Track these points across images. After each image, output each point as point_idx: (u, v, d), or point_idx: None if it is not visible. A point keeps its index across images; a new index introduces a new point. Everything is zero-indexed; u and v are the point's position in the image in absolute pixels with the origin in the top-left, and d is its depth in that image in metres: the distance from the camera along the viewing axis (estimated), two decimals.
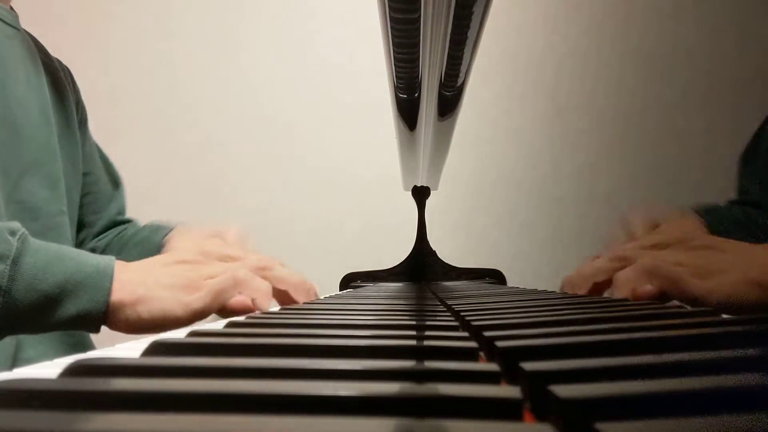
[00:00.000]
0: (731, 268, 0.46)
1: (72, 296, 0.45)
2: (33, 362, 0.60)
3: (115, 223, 0.84)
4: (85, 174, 0.79)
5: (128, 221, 0.86)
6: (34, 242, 0.46)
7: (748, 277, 0.44)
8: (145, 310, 0.48)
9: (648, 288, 0.48)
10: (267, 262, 0.57)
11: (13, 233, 0.45)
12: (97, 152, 0.85)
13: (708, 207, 0.75)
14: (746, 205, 0.78)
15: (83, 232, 0.80)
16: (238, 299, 0.53)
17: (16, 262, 0.44)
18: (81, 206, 0.79)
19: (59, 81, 0.74)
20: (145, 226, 0.83)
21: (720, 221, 0.70)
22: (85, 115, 0.83)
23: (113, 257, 0.49)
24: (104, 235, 0.82)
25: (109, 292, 0.47)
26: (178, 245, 0.70)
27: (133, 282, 0.48)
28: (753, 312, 0.44)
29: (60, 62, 0.79)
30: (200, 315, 0.50)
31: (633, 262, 0.51)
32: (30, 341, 0.62)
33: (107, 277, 0.47)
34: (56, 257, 0.46)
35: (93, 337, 0.71)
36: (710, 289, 0.45)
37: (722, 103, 1.41)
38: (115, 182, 0.86)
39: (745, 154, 0.81)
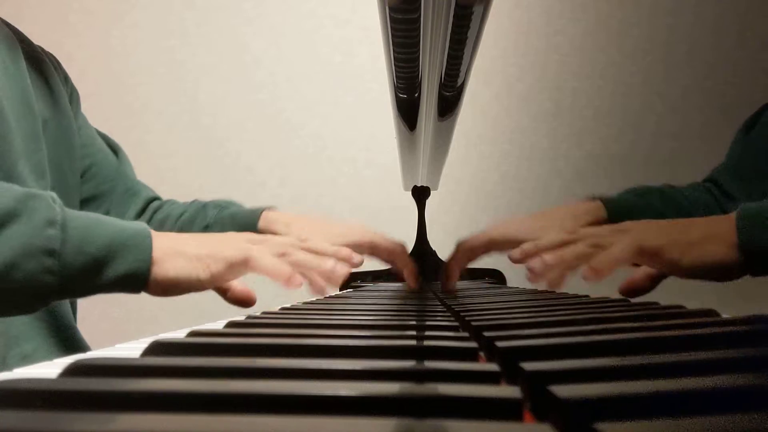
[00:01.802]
0: (695, 232, 0.49)
1: (119, 257, 0.48)
2: (26, 358, 0.60)
3: (134, 186, 0.83)
4: (84, 146, 0.79)
5: (154, 195, 0.86)
6: (70, 210, 0.48)
7: (712, 236, 0.47)
8: (171, 267, 0.50)
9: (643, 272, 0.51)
10: (290, 247, 0.57)
11: (54, 200, 0.47)
12: (91, 127, 0.84)
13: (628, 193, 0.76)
14: (709, 182, 0.80)
15: (103, 206, 0.80)
16: (241, 289, 0.55)
17: (63, 226, 0.46)
18: (90, 179, 0.79)
19: (42, 66, 0.72)
20: (204, 205, 0.82)
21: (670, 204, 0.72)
22: (77, 94, 0.82)
23: (144, 222, 0.51)
24: (141, 212, 0.82)
25: (151, 250, 0.49)
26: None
27: (165, 244, 0.51)
28: (720, 273, 0.47)
29: (42, 49, 0.77)
30: (218, 280, 0.52)
31: (608, 245, 0.52)
32: (23, 336, 0.62)
33: (147, 237, 0.49)
34: (95, 222, 0.48)
35: (85, 333, 0.71)
36: (681, 252, 0.48)
37: (723, 102, 1.41)
38: (115, 151, 0.85)
39: (747, 123, 0.82)
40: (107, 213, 0.79)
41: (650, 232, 0.51)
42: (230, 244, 0.55)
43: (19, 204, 0.45)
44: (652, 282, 0.58)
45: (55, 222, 0.46)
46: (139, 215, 0.81)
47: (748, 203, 0.48)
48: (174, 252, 0.51)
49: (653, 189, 0.76)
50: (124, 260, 0.48)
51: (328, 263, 0.57)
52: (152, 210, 0.82)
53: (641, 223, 0.53)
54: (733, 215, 0.48)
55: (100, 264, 0.47)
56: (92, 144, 0.81)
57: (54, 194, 0.48)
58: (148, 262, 0.49)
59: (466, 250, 0.69)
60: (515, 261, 0.59)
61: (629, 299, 0.46)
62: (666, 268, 0.50)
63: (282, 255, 0.56)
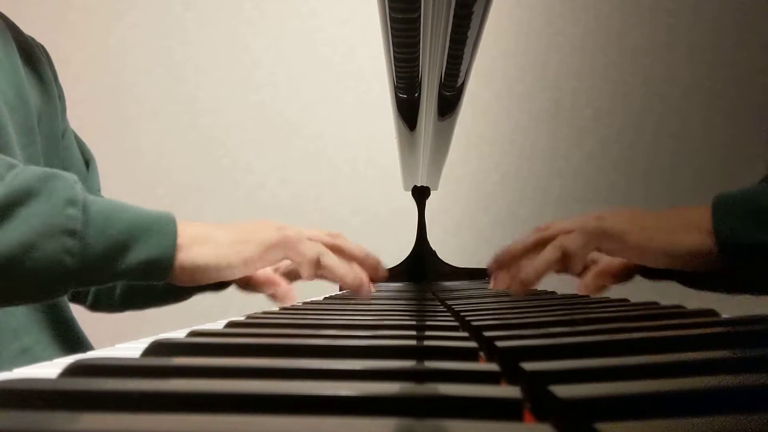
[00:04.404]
0: (669, 219, 0.48)
1: (141, 241, 0.46)
2: (25, 351, 0.59)
3: None
4: (62, 149, 0.76)
5: None
6: (89, 194, 0.46)
7: (686, 223, 0.46)
8: (198, 254, 0.48)
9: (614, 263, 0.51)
10: (320, 246, 0.55)
11: (75, 182, 0.45)
12: (72, 131, 0.83)
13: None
14: None
15: None
16: (286, 287, 0.54)
17: (85, 207, 0.44)
18: None
19: (35, 58, 0.71)
20: None
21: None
22: (63, 95, 0.81)
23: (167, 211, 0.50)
24: None
25: (175, 236, 0.47)
26: None
27: (193, 231, 0.49)
28: (692, 261, 0.46)
29: (34, 40, 0.75)
30: (251, 265, 0.51)
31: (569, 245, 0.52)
32: (22, 329, 0.61)
33: (172, 222, 0.48)
34: (117, 205, 0.47)
35: (87, 329, 0.71)
36: (650, 237, 0.47)
37: (722, 103, 1.41)
38: (87, 160, 0.83)
39: None
40: None
41: (617, 218, 0.50)
42: (262, 229, 0.53)
43: (38, 182, 0.44)
44: (628, 272, 0.57)
45: (77, 202, 0.44)
46: None
47: (726, 191, 0.47)
48: (202, 237, 0.49)
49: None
50: (147, 245, 0.46)
51: (356, 280, 0.54)
52: None
53: (610, 213, 0.52)
54: (709, 205, 0.47)
55: (122, 248, 0.45)
56: (69, 148, 0.80)
57: (75, 176, 0.46)
58: (173, 248, 0.47)
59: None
60: (492, 269, 0.57)
61: (629, 299, 0.46)
62: (633, 255, 0.49)
63: (333, 236, 0.55)
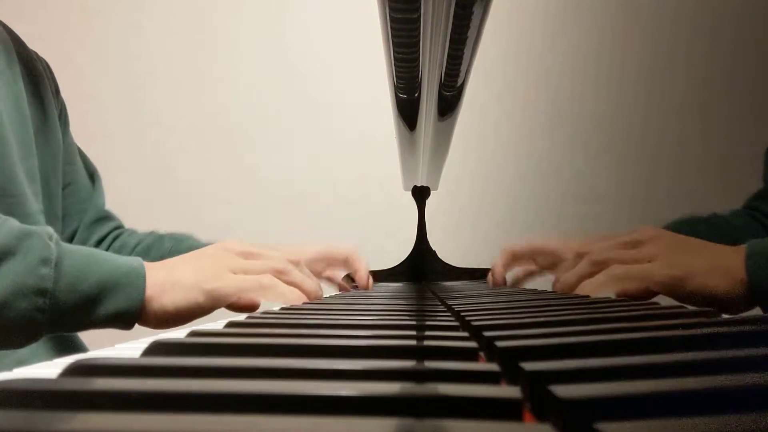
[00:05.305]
0: (702, 260, 0.48)
1: (110, 295, 0.48)
2: (22, 363, 0.61)
3: (104, 216, 0.82)
4: (67, 164, 0.77)
5: (119, 224, 0.84)
6: (66, 245, 0.48)
7: (719, 268, 0.47)
8: (169, 301, 0.51)
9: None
10: (285, 264, 0.59)
11: (50, 237, 0.47)
12: (75, 145, 0.83)
13: (688, 219, 0.76)
14: (749, 209, 0.79)
15: (71, 225, 0.78)
16: (248, 297, 0.57)
17: (57, 264, 0.46)
18: (66, 197, 0.77)
19: (35, 72, 0.72)
20: (161, 237, 0.81)
21: (719, 233, 0.71)
22: (66, 110, 0.81)
23: (140, 258, 0.52)
24: (101, 240, 0.80)
25: (144, 289, 0.49)
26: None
27: (160, 278, 0.51)
28: (723, 305, 0.47)
29: (37, 54, 0.76)
30: (221, 301, 0.53)
31: (610, 264, 0.53)
32: None
33: (141, 276, 0.50)
34: (91, 259, 0.48)
35: (85, 333, 0.71)
36: (682, 278, 0.48)
37: (721, 108, 1.41)
38: (92, 175, 0.84)
39: None
40: (74, 232, 0.78)
41: (647, 253, 0.51)
42: (230, 263, 0.55)
43: (15, 241, 0.45)
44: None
45: (50, 260, 0.46)
46: (99, 242, 0.81)
47: (755, 240, 0.48)
48: (170, 284, 0.51)
49: (701, 219, 0.77)
50: (115, 299, 0.48)
51: (318, 292, 0.62)
52: (112, 238, 0.82)
53: (648, 239, 0.52)
54: (742, 249, 0.47)
55: (91, 302, 0.47)
56: (74, 163, 0.80)
57: (51, 230, 0.48)
58: (140, 300, 0.49)
59: (509, 254, 0.72)
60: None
61: (629, 299, 0.46)
62: (661, 291, 0.50)
63: (280, 273, 0.58)
